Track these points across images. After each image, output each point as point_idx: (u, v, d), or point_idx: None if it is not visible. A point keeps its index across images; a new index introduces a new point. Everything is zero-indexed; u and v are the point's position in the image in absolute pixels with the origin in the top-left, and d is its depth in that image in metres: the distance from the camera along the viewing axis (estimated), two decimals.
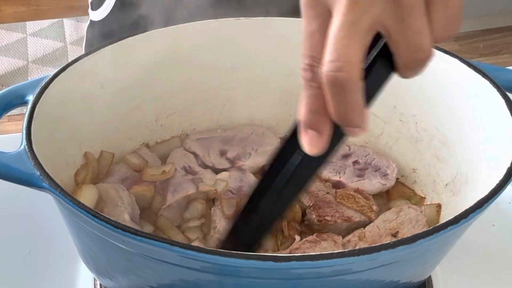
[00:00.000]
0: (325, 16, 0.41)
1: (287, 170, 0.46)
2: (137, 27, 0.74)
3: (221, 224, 0.66)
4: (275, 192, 0.48)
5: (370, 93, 0.43)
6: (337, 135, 0.43)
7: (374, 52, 0.42)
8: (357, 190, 0.71)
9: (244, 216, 0.52)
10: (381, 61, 0.42)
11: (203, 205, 0.69)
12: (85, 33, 1.10)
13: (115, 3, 0.98)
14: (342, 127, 0.42)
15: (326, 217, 0.67)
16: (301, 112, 0.42)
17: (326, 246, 0.62)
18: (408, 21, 0.39)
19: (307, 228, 0.69)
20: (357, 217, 0.68)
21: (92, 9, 1.04)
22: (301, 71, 0.42)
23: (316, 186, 0.72)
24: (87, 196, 0.64)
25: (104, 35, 1.00)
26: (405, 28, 0.39)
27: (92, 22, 1.05)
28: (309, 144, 0.42)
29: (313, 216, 0.68)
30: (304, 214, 0.70)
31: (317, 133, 0.42)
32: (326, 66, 0.39)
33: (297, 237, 0.64)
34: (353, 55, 0.39)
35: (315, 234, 0.64)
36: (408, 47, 0.40)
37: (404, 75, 0.42)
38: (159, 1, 0.83)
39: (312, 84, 0.41)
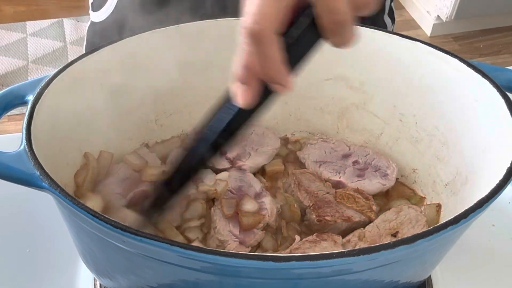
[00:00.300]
0: None
1: (220, 121, 0.50)
2: (138, 28, 0.74)
3: (221, 224, 0.66)
4: (208, 141, 0.51)
5: (298, 56, 0.46)
6: (266, 92, 0.47)
7: (302, 19, 0.45)
8: (357, 190, 0.71)
9: (176, 165, 0.55)
10: (308, 27, 0.45)
11: (203, 205, 0.69)
12: (85, 34, 1.10)
13: (116, 4, 0.98)
14: (268, 84, 0.46)
15: (326, 217, 0.67)
16: (234, 67, 0.46)
17: (326, 246, 0.62)
18: None
19: (307, 228, 0.69)
20: (357, 217, 0.68)
21: (93, 10, 1.04)
22: (242, 27, 0.44)
23: (316, 186, 0.72)
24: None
25: (105, 36, 1.00)
26: None
27: (93, 23, 1.05)
28: (239, 96, 0.47)
29: (313, 216, 0.68)
30: (304, 214, 0.70)
31: (246, 86, 0.46)
32: (244, 20, 0.43)
33: (297, 237, 0.64)
34: (269, 11, 0.42)
35: (315, 234, 0.64)
36: (326, 10, 0.43)
37: (331, 41, 0.45)
38: (162, 2, 0.83)
39: (246, 41, 0.44)
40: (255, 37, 0.43)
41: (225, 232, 0.66)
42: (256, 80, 0.46)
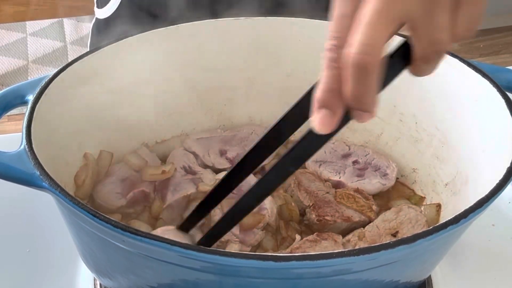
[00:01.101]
0: (356, 2, 0.42)
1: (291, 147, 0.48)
2: (143, 24, 0.74)
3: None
4: (278, 165, 0.50)
5: (383, 82, 0.44)
6: (345, 118, 0.44)
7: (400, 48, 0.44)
8: (357, 190, 0.71)
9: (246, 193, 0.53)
10: (398, 53, 0.44)
11: None
12: (87, 32, 1.10)
13: (121, 1, 0.98)
14: (352, 110, 0.43)
15: (326, 217, 0.67)
16: (318, 91, 0.43)
17: (327, 245, 0.62)
18: (436, 17, 0.41)
19: (307, 227, 0.69)
20: (356, 217, 0.68)
21: (98, 7, 1.04)
22: (325, 51, 0.43)
23: (316, 186, 0.72)
24: None
25: (110, 33, 1.00)
26: (431, 23, 0.41)
27: (98, 20, 1.05)
28: (320, 122, 0.44)
29: (312, 216, 0.68)
30: (303, 214, 0.70)
31: (330, 112, 0.43)
32: (354, 47, 0.40)
33: (298, 237, 0.64)
34: (380, 41, 0.40)
35: (315, 233, 0.64)
36: (429, 41, 0.42)
37: (416, 70, 0.44)
38: None
39: (334, 64, 0.42)
40: (363, 68, 0.41)
41: None
42: (342, 106, 0.43)
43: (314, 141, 0.47)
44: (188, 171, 0.73)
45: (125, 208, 0.68)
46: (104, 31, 1.02)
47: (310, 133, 0.45)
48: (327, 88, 0.43)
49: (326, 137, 0.46)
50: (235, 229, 0.66)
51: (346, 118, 0.44)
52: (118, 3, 0.98)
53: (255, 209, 0.67)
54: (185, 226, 0.60)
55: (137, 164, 0.73)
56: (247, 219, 0.65)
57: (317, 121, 0.44)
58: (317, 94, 0.43)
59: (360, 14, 0.41)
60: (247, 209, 0.54)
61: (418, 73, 0.44)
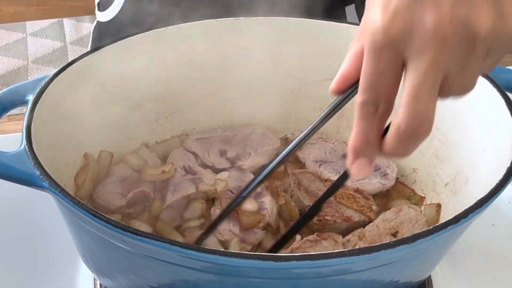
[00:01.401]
0: (398, 61, 0.42)
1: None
2: (145, 27, 0.74)
3: (221, 225, 0.66)
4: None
5: None
6: None
7: None
8: (357, 190, 0.71)
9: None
10: None
11: (203, 205, 0.69)
12: (88, 33, 1.10)
13: (123, 4, 0.98)
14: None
15: (326, 217, 0.67)
16: (356, 140, 0.45)
17: (327, 245, 0.62)
18: (470, 69, 0.42)
19: (306, 227, 0.69)
20: (356, 217, 0.68)
21: (99, 10, 1.04)
22: (359, 103, 0.44)
23: (316, 186, 0.72)
24: None
25: (111, 35, 1.01)
26: (465, 74, 0.42)
27: (99, 22, 1.05)
28: (357, 169, 0.45)
29: None
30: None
31: (368, 160, 0.45)
32: (407, 120, 0.42)
33: (298, 236, 0.64)
34: (432, 111, 0.42)
35: (315, 233, 0.64)
36: (461, 87, 0.44)
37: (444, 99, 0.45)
38: (168, 2, 0.83)
39: (373, 119, 0.44)
40: (415, 138, 0.43)
41: (225, 232, 0.66)
42: (378, 154, 0.45)
43: (342, 180, 0.53)
44: (188, 171, 0.73)
45: (125, 208, 0.68)
46: (105, 34, 1.02)
47: (343, 175, 0.52)
48: (365, 139, 0.44)
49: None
50: (235, 229, 0.66)
51: None
52: (121, 6, 0.98)
53: (256, 209, 0.67)
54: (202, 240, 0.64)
55: (137, 164, 0.73)
56: (248, 219, 0.66)
57: (355, 169, 0.45)
58: (354, 144, 0.45)
59: (406, 79, 0.42)
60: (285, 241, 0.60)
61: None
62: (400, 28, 0.41)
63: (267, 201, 0.69)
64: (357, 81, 0.45)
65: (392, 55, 0.42)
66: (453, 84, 0.43)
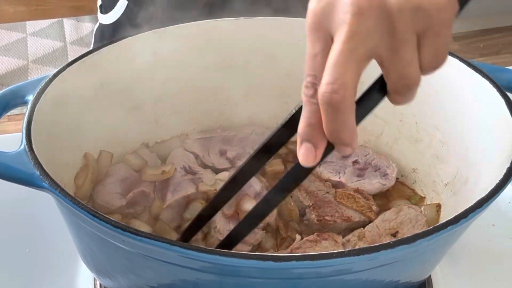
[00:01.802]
0: (327, 40, 0.44)
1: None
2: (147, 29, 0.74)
3: (221, 224, 0.66)
4: (266, 196, 0.53)
5: (362, 115, 0.46)
6: (328, 149, 0.46)
7: (373, 85, 0.46)
8: (357, 190, 0.71)
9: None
10: (375, 86, 0.46)
11: (203, 205, 0.69)
12: (92, 35, 1.10)
13: (126, 7, 0.98)
14: (333, 144, 0.45)
15: (326, 217, 0.67)
16: (300, 126, 0.45)
17: (327, 245, 0.62)
18: (401, 53, 0.43)
19: (306, 227, 0.69)
20: (356, 217, 0.68)
21: (102, 13, 1.04)
22: (303, 88, 0.45)
23: (316, 186, 0.72)
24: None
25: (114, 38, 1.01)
26: (397, 59, 0.43)
27: (101, 25, 1.04)
28: (303, 156, 0.46)
29: (312, 216, 0.68)
30: (303, 214, 0.70)
31: (313, 146, 0.45)
32: (323, 87, 0.43)
33: (298, 236, 0.64)
34: (349, 79, 0.42)
35: (315, 233, 0.64)
36: (398, 75, 0.44)
37: (393, 100, 0.46)
38: (171, 3, 0.83)
39: (313, 100, 0.44)
40: (335, 107, 0.43)
41: (225, 231, 0.66)
42: (324, 140, 0.45)
43: (300, 171, 0.49)
44: (188, 171, 0.73)
45: (125, 208, 0.68)
46: (108, 37, 1.02)
47: (297, 165, 0.47)
48: (308, 123, 0.45)
49: (311, 168, 0.48)
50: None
51: (329, 149, 0.46)
52: (124, 9, 0.98)
53: None
54: (185, 236, 0.62)
55: (137, 164, 0.73)
56: None
57: (301, 155, 0.45)
58: (299, 129, 0.45)
59: (330, 53, 0.43)
60: (240, 236, 0.57)
61: (395, 103, 0.46)
62: (323, 7, 0.44)
63: None
64: None
65: (321, 36, 0.44)
66: (390, 71, 0.44)
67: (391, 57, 0.43)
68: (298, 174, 0.50)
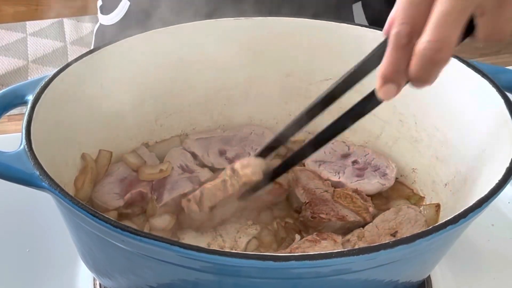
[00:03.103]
0: None
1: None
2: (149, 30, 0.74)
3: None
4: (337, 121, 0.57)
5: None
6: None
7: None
8: (356, 191, 0.71)
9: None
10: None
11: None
12: (93, 36, 1.10)
13: (128, 8, 0.98)
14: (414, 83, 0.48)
15: (321, 215, 0.67)
16: (386, 68, 0.48)
17: (326, 245, 0.62)
18: (506, 8, 0.45)
19: (302, 224, 0.69)
20: (352, 217, 0.68)
21: (103, 13, 1.04)
22: (393, 32, 0.47)
23: (314, 184, 0.72)
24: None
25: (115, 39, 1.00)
26: (500, 13, 0.45)
27: (102, 26, 1.04)
28: (386, 93, 0.49)
29: (307, 213, 0.68)
30: (300, 211, 0.70)
31: (396, 85, 0.48)
32: (428, 43, 0.45)
33: (297, 236, 0.64)
34: (454, 39, 0.45)
35: (315, 233, 0.64)
36: (494, 29, 0.46)
37: (482, 41, 0.48)
38: (173, 5, 0.83)
39: (406, 48, 0.47)
40: (435, 63, 0.46)
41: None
42: (405, 80, 0.48)
43: (374, 102, 0.53)
44: (185, 169, 0.73)
45: (123, 208, 0.68)
46: (109, 37, 1.02)
47: (371, 96, 0.52)
48: (395, 67, 0.47)
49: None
50: None
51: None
52: (125, 11, 0.98)
53: None
54: (263, 154, 0.63)
55: (135, 164, 0.73)
56: None
57: (383, 92, 0.49)
58: (384, 71, 0.48)
59: (435, 7, 0.45)
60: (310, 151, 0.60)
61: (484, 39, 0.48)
62: None
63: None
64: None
65: None
66: (488, 21, 0.45)
67: (495, 11, 0.45)
68: (371, 104, 0.53)
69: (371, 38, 0.73)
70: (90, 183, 0.69)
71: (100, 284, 0.68)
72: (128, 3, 0.98)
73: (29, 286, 0.68)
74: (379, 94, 0.49)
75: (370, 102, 0.53)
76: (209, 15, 0.77)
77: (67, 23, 2.58)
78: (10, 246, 0.73)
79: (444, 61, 0.46)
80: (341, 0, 0.97)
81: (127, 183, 0.71)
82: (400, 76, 0.48)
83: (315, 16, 0.76)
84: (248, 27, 0.77)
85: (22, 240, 0.73)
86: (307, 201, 0.69)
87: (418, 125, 0.75)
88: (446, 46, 0.45)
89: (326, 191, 0.71)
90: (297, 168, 0.74)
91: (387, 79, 0.48)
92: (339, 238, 0.64)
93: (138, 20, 0.96)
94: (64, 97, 0.65)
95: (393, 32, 0.47)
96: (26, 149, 0.55)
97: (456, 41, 0.45)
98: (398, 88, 0.49)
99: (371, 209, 0.69)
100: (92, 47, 1.09)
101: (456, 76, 0.67)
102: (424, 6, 0.46)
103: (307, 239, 0.63)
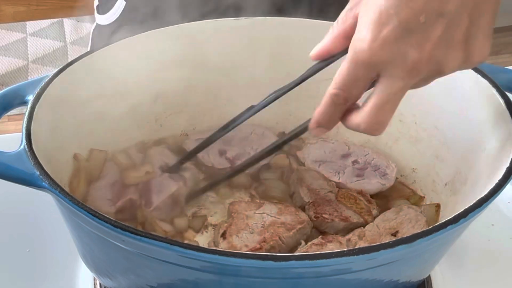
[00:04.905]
0: (372, 76, 0.49)
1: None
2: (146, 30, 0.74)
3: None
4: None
5: None
6: None
7: None
8: (360, 192, 0.71)
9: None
10: None
11: None
12: (89, 34, 1.10)
13: (124, 8, 0.98)
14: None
15: (324, 215, 0.67)
16: (320, 116, 0.54)
17: (332, 247, 0.62)
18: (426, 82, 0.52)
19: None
20: (355, 218, 0.68)
21: (99, 13, 1.04)
22: (331, 91, 0.52)
23: (319, 184, 0.72)
24: None
25: (112, 39, 1.00)
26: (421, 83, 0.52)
27: (98, 26, 1.04)
28: (317, 133, 0.56)
29: (311, 213, 0.68)
30: (303, 210, 0.70)
31: (327, 129, 0.55)
32: (365, 124, 0.51)
33: (303, 242, 0.64)
34: (389, 120, 0.51)
35: (320, 236, 0.64)
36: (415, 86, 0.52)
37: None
38: (170, 4, 0.83)
39: (339, 108, 0.52)
40: (370, 133, 0.52)
41: None
42: (335, 125, 0.55)
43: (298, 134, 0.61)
44: (165, 169, 0.72)
45: (114, 215, 0.67)
46: (106, 37, 1.02)
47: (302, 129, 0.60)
48: (328, 117, 0.53)
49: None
50: None
51: None
52: (121, 10, 0.98)
53: None
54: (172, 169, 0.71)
55: (125, 164, 0.72)
56: None
57: (315, 132, 0.55)
58: (318, 119, 0.54)
59: (376, 88, 0.49)
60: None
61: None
62: (383, 57, 0.47)
63: None
64: (333, 56, 0.55)
65: (370, 71, 0.49)
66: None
67: (419, 84, 0.51)
68: (303, 130, 0.60)
69: None
70: (84, 183, 0.68)
71: (100, 284, 0.68)
72: (124, 2, 0.98)
73: (29, 286, 0.68)
74: (312, 132, 0.56)
75: (304, 129, 0.59)
76: (208, 15, 0.77)
77: (67, 23, 2.58)
78: (10, 246, 0.73)
79: (377, 134, 0.51)
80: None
81: (118, 187, 0.69)
82: (332, 124, 0.54)
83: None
84: (248, 27, 0.77)
85: (22, 240, 0.73)
86: (310, 201, 0.69)
87: (418, 125, 0.75)
88: (381, 127, 0.51)
89: (331, 191, 0.71)
90: (302, 167, 0.74)
91: (320, 125, 0.54)
92: (344, 240, 0.63)
93: (134, 19, 0.96)
94: (64, 97, 0.65)
95: (332, 92, 0.51)
96: (26, 149, 0.55)
97: (390, 119, 0.50)
98: (329, 129, 0.55)
99: (374, 211, 0.69)
100: (89, 47, 1.09)
101: (456, 76, 0.67)
102: (363, 83, 0.50)
103: (313, 243, 0.63)
